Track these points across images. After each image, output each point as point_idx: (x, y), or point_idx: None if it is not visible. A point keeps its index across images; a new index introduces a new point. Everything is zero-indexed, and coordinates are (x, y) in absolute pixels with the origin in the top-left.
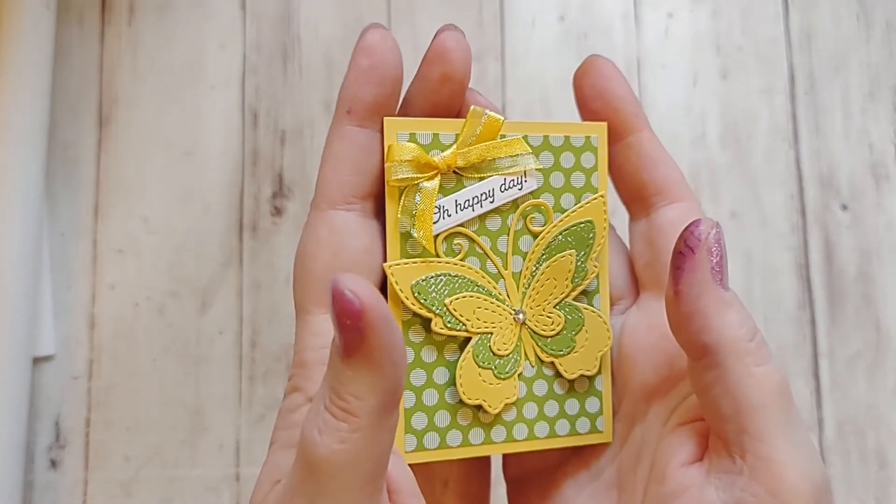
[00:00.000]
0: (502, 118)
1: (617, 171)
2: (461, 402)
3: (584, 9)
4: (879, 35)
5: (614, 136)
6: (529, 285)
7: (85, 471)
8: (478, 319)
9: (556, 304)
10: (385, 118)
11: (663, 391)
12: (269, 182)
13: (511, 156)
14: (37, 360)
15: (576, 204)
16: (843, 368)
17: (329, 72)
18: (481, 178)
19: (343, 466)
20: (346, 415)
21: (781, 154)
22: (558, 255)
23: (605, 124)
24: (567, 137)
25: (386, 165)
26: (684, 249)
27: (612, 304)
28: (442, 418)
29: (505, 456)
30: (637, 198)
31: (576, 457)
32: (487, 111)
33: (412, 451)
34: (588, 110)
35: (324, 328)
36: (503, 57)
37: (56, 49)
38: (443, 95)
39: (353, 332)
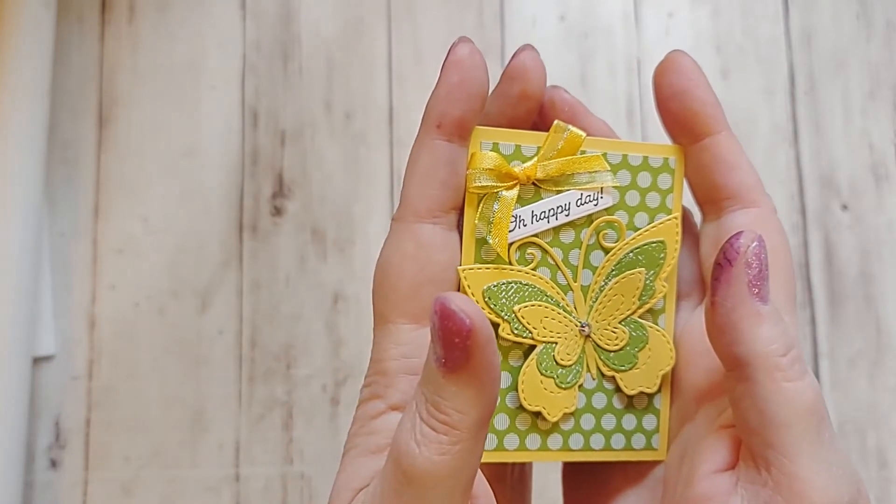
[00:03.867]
0: (584, 134)
1: (692, 173)
2: (521, 407)
3: (584, 9)
4: (879, 35)
5: (691, 138)
6: (597, 299)
7: (85, 471)
8: (544, 329)
9: (622, 320)
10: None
11: (713, 394)
12: (269, 182)
13: (589, 172)
14: (37, 360)
15: (649, 223)
16: (844, 368)
17: (329, 72)
18: (559, 192)
19: (444, 477)
20: (447, 428)
21: (781, 154)
22: (628, 272)
23: (681, 147)
24: (646, 158)
25: (468, 172)
26: (722, 261)
27: (677, 300)
28: (501, 421)
29: None
30: (710, 200)
31: None
32: (570, 127)
33: None
34: (666, 110)
35: (405, 338)
36: (503, 56)
37: (56, 49)
38: (519, 111)
39: (460, 350)
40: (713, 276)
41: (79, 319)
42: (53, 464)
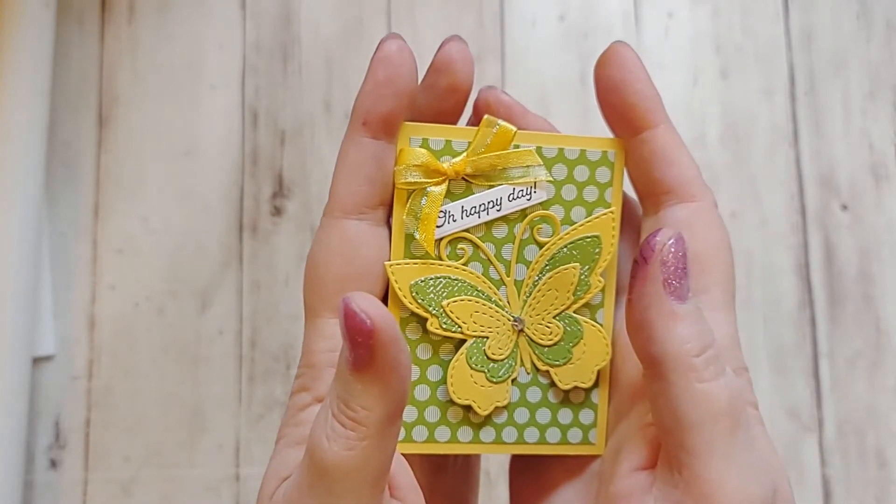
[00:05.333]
0: (514, 129)
1: (632, 167)
2: (452, 400)
3: (584, 9)
4: (879, 35)
5: (630, 131)
6: (531, 294)
7: (85, 471)
8: (474, 323)
9: (556, 315)
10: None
11: (645, 389)
12: (269, 182)
13: (522, 166)
14: (37, 360)
15: (587, 218)
16: (843, 368)
17: (329, 72)
18: (490, 187)
19: (351, 471)
20: (354, 424)
21: (781, 154)
22: (562, 266)
23: (621, 140)
24: (583, 151)
25: (395, 168)
26: (639, 259)
27: (618, 297)
28: (432, 414)
29: None
30: (649, 194)
31: None
32: (500, 121)
33: (400, 442)
34: (605, 102)
35: (332, 332)
36: (503, 57)
37: (56, 49)
38: (448, 104)
39: (364, 349)
40: (631, 273)
41: (79, 319)
42: (53, 464)
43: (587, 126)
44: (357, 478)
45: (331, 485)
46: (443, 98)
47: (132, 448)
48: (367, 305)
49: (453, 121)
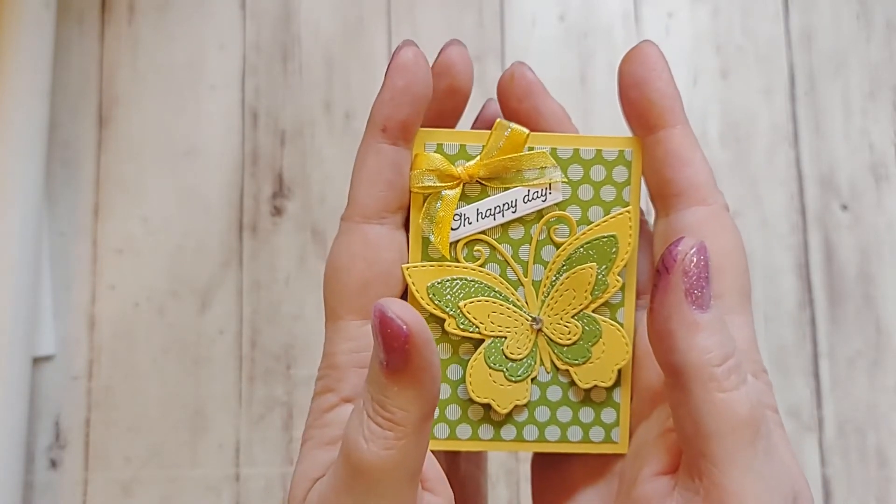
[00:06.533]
0: (526, 131)
1: (646, 167)
2: (471, 399)
3: (584, 9)
4: (879, 35)
5: (646, 129)
6: (549, 294)
7: (85, 471)
8: (492, 323)
9: (575, 315)
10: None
11: (665, 396)
12: (269, 182)
13: (537, 168)
14: (37, 360)
15: (604, 217)
16: (844, 368)
17: (329, 72)
18: (505, 189)
19: (390, 469)
20: (392, 424)
21: (781, 154)
22: (579, 266)
23: (638, 139)
24: (599, 151)
25: (411, 173)
26: (661, 268)
27: (637, 298)
28: (453, 412)
29: None
30: (660, 195)
31: None
32: (511, 124)
33: None
34: (625, 99)
35: (356, 334)
36: (503, 57)
37: (56, 49)
38: (448, 105)
39: (399, 353)
40: (653, 282)
41: (79, 319)
42: (53, 464)
43: (588, 126)
44: (395, 476)
45: (370, 484)
46: (442, 100)
47: (132, 448)
48: (402, 311)
49: (452, 123)
